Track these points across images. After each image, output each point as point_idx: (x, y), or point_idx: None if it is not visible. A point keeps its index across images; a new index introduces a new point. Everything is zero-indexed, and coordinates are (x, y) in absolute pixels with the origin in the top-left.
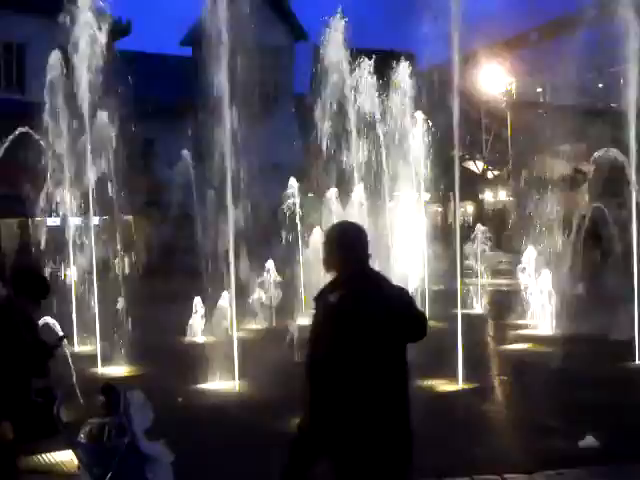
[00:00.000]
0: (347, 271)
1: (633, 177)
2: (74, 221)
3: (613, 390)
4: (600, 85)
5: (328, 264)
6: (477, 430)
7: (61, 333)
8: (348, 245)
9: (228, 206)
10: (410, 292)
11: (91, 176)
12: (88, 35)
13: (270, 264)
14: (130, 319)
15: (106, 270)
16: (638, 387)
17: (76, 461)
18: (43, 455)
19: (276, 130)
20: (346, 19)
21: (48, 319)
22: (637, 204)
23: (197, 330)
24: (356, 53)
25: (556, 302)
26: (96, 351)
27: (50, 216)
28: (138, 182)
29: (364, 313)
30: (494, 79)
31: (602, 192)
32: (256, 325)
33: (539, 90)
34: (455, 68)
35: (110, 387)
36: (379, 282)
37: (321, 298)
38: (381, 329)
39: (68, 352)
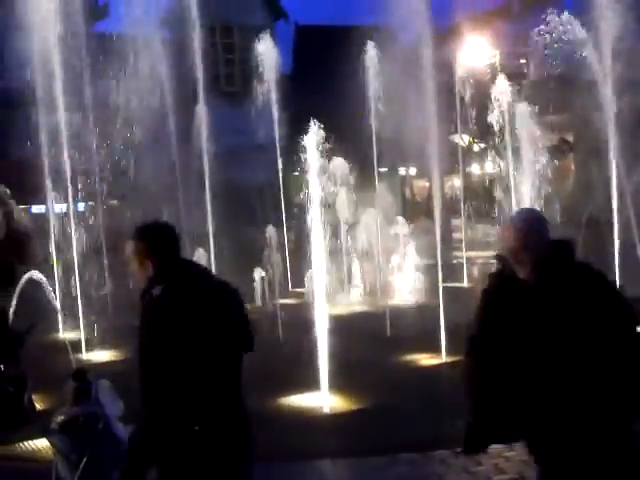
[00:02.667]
0: (166, 265)
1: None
2: (59, 208)
3: None
4: (584, 54)
5: (142, 263)
6: (459, 403)
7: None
8: (163, 240)
9: (206, 187)
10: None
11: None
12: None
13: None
14: (114, 303)
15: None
16: None
17: (52, 449)
18: (19, 444)
19: (258, 110)
20: None
21: (35, 274)
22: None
23: None
24: (338, 30)
25: None
26: (80, 336)
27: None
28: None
29: (190, 304)
30: (477, 51)
31: (587, 160)
32: None
33: (523, 61)
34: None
35: (82, 374)
36: (204, 276)
37: (145, 296)
38: (209, 322)
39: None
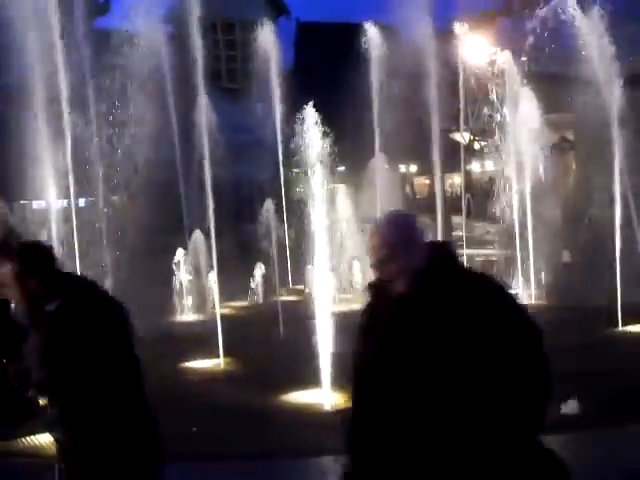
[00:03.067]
0: (51, 280)
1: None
2: (59, 203)
3: (596, 356)
4: (583, 53)
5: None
6: None
7: None
8: (39, 256)
9: (207, 183)
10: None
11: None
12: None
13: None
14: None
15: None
16: (620, 353)
17: (55, 444)
18: (22, 439)
19: (259, 107)
20: None
21: None
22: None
23: (183, 309)
24: (339, 27)
25: (540, 270)
26: None
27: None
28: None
29: (92, 314)
30: (478, 49)
31: (587, 158)
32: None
33: (524, 59)
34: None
35: None
36: (92, 286)
37: (36, 315)
38: (111, 331)
39: None
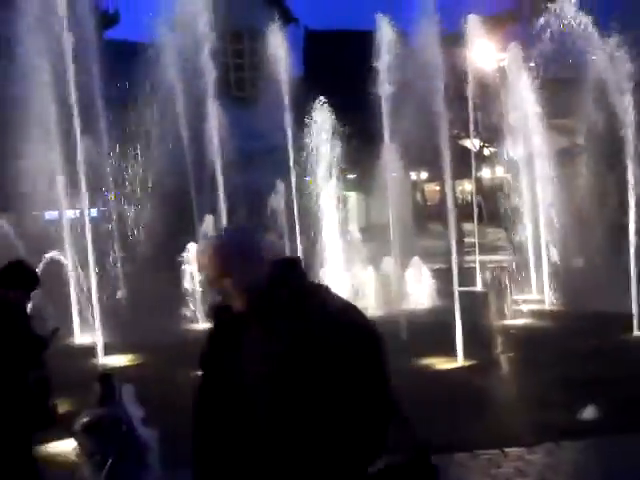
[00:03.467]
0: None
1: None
2: (71, 214)
3: (612, 362)
4: (593, 57)
5: None
6: (477, 405)
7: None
8: None
9: (220, 190)
10: None
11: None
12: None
13: None
14: (130, 308)
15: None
16: (636, 358)
17: (76, 451)
18: (43, 445)
19: (269, 114)
20: None
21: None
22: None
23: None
24: (347, 34)
25: (556, 276)
26: (96, 341)
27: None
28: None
29: None
30: (486, 55)
31: (598, 164)
32: None
33: (532, 65)
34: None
35: (107, 377)
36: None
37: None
38: None
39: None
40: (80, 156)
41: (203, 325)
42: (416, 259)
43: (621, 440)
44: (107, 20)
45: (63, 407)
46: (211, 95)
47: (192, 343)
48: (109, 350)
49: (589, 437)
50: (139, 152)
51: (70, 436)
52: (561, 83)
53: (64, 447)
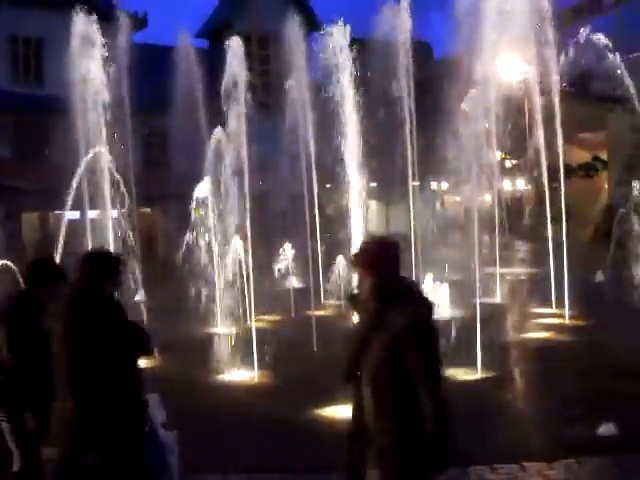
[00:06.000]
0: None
1: None
2: (92, 214)
3: (633, 378)
4: (618, 71)
5: None
6: (496, 418)
7: None
8: None
9: (246, 197)
10: None
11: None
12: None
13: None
14: (149, 311)
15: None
16: None
17: None
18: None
19: (292, 120)
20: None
21: None
22: None
23: (216, 321)
24: (371, 42)
25: (577, 290)
26: None
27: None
28: (156, 174)
29: None
30: (511, 67)
31: (621, 180)
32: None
33: (556, 78)
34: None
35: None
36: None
37: None
38: None
39: None
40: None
41: (222, 329)
42: (435, 268)
43: None
44: (135, 24)
45: None
46: (236, 101)
47: (211, 347)
48: None
49: (610, 454)
50: (160, 154)
51: None
52: (586, 96)
53: None
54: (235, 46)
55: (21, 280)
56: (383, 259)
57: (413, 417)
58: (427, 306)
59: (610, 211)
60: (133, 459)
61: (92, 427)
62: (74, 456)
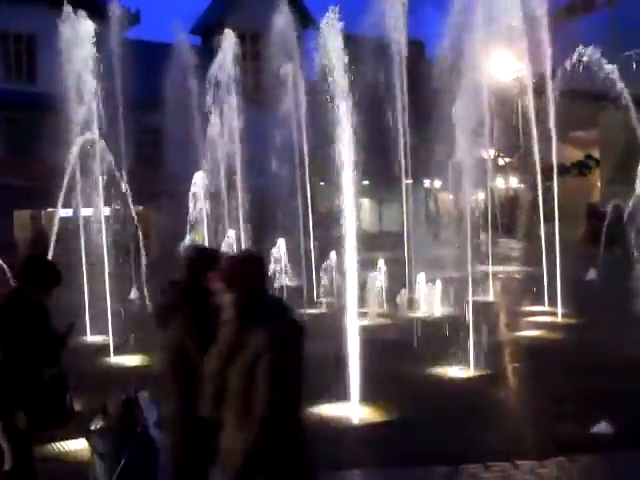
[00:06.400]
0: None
1: None
2: (85, 212)
3: (625, 377)
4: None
5: None
6: (489, 417)
7: None
8: None
9: (238, 194)
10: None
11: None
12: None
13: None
14: (142, 309)
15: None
16: None
17: (89, 449)
18: (57, 444)
19: (287, 117)
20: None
21: None
22: None
23: None
24: (366, 40)
25: (566, 288)
26: (109, 341)
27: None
28: (148, 171)
29: None
30: (504, 65)
31: (613, 178)
32: None
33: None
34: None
35: (131, 402)
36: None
37: None
38: None
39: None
40: (98, 157)
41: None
42: (428, 267)
43: (634, 455)
44: (129, 20)
45: (75, 406)
46: (229, 97)
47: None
48: (118, 350)
49: (602, 452)
50: (153, 151)
51: (82, 436)
52: (578, 95)
53: (76, 446)
54: (228, 43)
55: (11, 277)
56: (245, 275)
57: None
58: (295, 326)
59: (591, 210)
60: None
61: None
62: None
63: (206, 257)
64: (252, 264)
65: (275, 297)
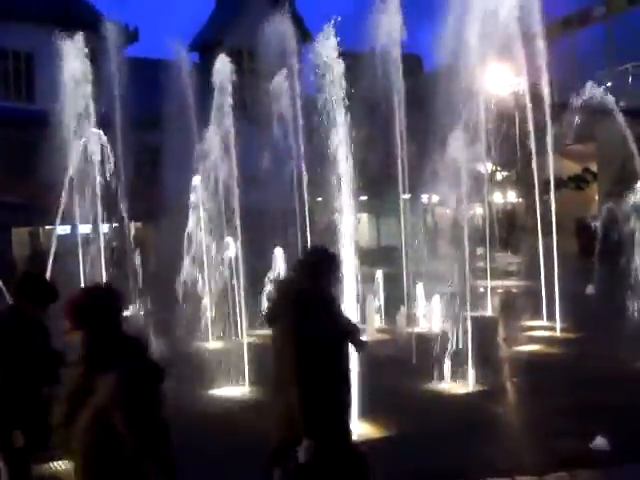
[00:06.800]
0: None
1: None
2: (83, 229)
3: (625, 391)
4: (609, 84)
5: None
6: (488, 432)
7: None
8: None
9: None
10: None
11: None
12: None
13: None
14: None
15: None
16: None
17: None
18: (54, 463)
19: (285, 132)
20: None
21: None
22: None
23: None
24: (362, 55)
25: (565, 302)
26: None
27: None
28: (146, 189)
29: None
30: (502, 79)
31: (611, 191)
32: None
33: (547, 90)
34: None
35: None
36: None
37: None
38: None
39: None
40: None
41: (213, 344)
42: (426, 282)
43: (634, 469)
44: (127, 38)
45: None
46: (227, 115)
47: (202, 361)
48: None
49: (601, 466)
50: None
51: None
52: (575, 109)
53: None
54: (223, 62)
55: (8, 295)
56: (92, 311)
57: None
58: (148, 366)
59: (580, 225)
60: None
61: None
62: None
63: (324, 258)
64: (100, 299)
65: (131, 336)
